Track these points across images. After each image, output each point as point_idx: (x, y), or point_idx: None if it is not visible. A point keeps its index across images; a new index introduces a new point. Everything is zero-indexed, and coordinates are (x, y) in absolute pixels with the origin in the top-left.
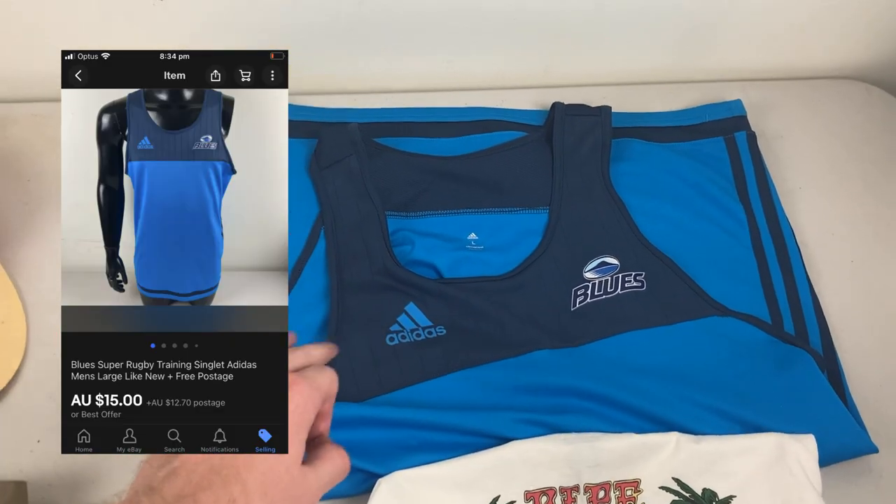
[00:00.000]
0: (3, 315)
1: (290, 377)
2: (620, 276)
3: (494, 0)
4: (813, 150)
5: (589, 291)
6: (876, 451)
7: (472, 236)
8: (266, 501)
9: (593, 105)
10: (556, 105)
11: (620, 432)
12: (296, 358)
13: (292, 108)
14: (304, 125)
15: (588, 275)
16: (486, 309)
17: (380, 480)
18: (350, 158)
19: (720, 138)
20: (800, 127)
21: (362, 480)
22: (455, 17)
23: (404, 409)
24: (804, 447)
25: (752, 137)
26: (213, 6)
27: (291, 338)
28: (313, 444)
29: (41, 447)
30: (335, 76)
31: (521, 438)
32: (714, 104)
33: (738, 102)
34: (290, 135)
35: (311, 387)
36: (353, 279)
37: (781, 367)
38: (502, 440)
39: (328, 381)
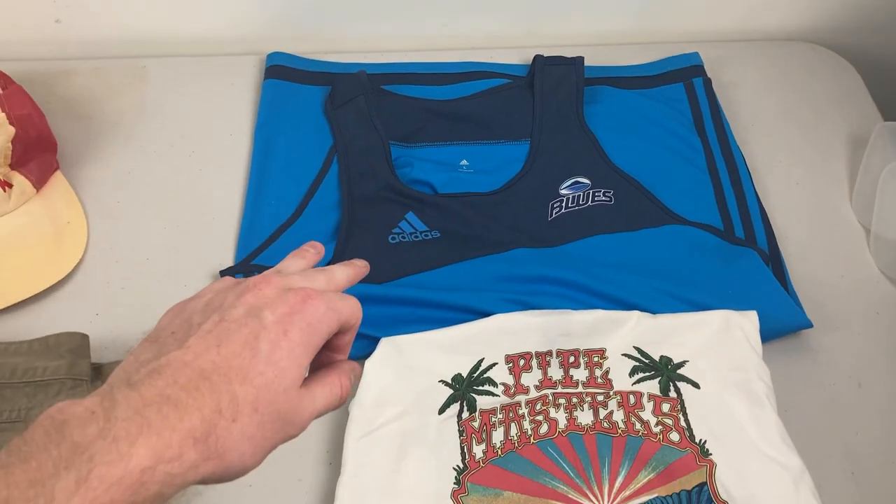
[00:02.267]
0: (69, 217)
1: (306, 291)
2: (591, 191)
3: None
4: (763, 96)
5: (563, 204)
6: (811, 325)
7: (464, 162)
8: (255, 418)
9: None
10: (537, 57)
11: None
12: (317, 279)
13: (311, 62)
14: (320, 76)
15: (563, 191)
16: (474, 218)
17: (382, 340)
18: (359, 98)
19: (680, 84)
20: (752, 79)
21: (367, 345)
22: None
23: (405, 288)
24: (747, 320)
25: (707, 82)
26: None
27: (319, 250)
28: (318, 365)
29: (98, 319)
30: (346, 37)
31: (502, 312)
32: (674, 56)
33: (696, 54)
34: (309, 83)
35: (327, 306)
36: (362, 193)
37: (731, 260)
38: (487, 315)
39: (349, 309)
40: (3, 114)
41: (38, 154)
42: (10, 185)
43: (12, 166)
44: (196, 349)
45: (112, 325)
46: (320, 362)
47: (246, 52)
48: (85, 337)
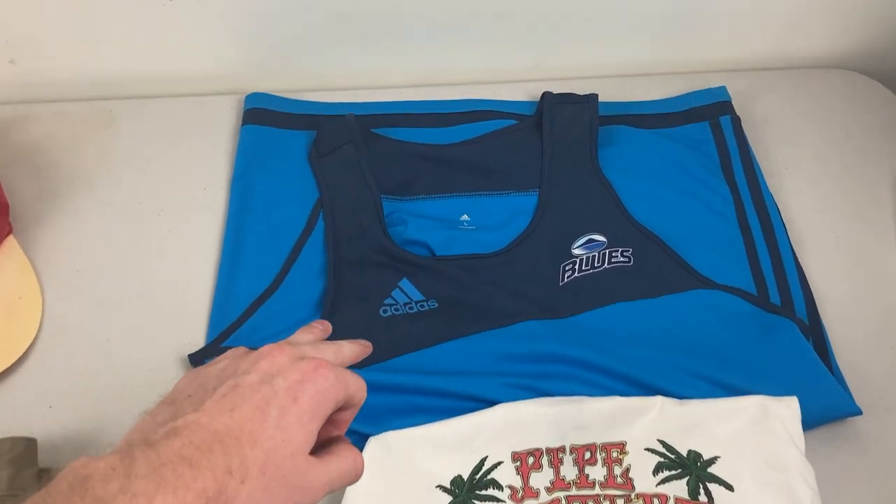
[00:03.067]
0: (22, 291)
1: (318, 361)
2: (608, 251)
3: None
4: (797, 134)
5: (577, 267)
6: (859, 412)
7: (465, 217)
8: (263, 481)
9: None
10: (545, 94)
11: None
12: (326, 350)
13: (294, 103)
14: (304, 118)
15: (576, 251)
16: (476, 284)
17: (370, 439)
18: (347, 146)
19: (705, 123)
20: (784, 113)
21: (355, 442)
22: (446, 15)
23: (396, 374)
24: (787, 408)
25: (736, 121)
26: (212, 8)
27: (326, 327)
28: (327, 441)
29: (51, 413)
30: (333, 74)
31: (508, 402)
32: (698, 91)
33: (723, 88)
34: (292, 126)
35: (336, 377)
36: (350, 256)
37: (766, 334)
38: (490, 403)
39: (356, 384)
40: None
41: None
42: None
43: None
44: (211, 412)
45: (67, 419)
46: (320, 436)
47: (224, 92)
48: (32, 442)
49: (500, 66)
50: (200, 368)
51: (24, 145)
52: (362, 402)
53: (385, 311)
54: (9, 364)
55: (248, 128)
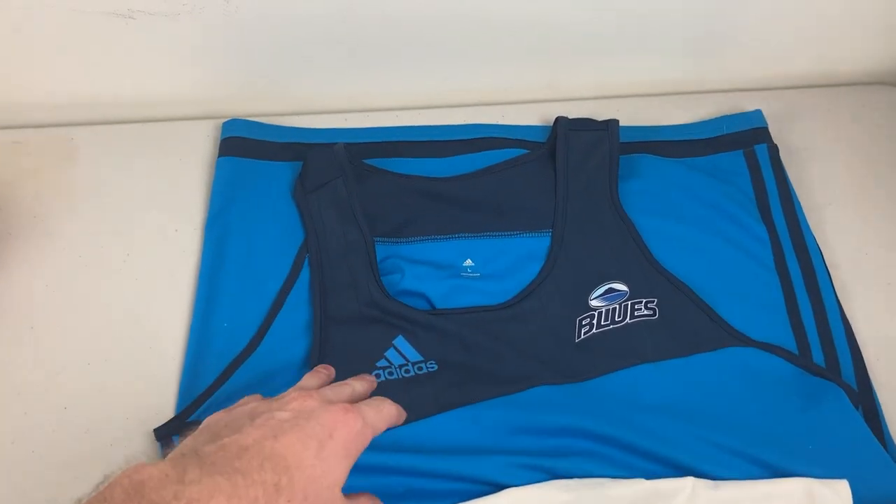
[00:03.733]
0: None
1: (345, 406)
2: (630, 303)
3: (490, 9)
4: (840, 162)
5: (595, 321)
6: None
7: (468, 263)
8: None
9: (601, 119)
10: (559, 119)
11: (628, 478)
12: (342, 392)
13: (277, 129)
14: (290, 147)
15: (594, 303)
16: (481, 342)
17: None
18: (336, 181)
19: (739, 152)
20: (825, 138)
21: None
22: (448, 29)
23: (390, 453)
24: (836, 494)
25: (773, 150)
26: (197, 28)
27: (330, 372)
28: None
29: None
30: (322, 95)
31: (517, 485)
32: (731, 115)
33: (758, 113)
34: (276, 158)
35: (364, 422)
36: (338, 312)
37: (810, 402)
38: (497, 487)
39: (383, 421)
40: None
41: None
42: None
43: None
44: (255, 436)
45: (17, 495)
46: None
47: (199, 116)
48: None
49: (509, 85)
50: (223, 411)
51: None
52: (402, 420)
53: (378, 376)
54: None
55: (224, 160)
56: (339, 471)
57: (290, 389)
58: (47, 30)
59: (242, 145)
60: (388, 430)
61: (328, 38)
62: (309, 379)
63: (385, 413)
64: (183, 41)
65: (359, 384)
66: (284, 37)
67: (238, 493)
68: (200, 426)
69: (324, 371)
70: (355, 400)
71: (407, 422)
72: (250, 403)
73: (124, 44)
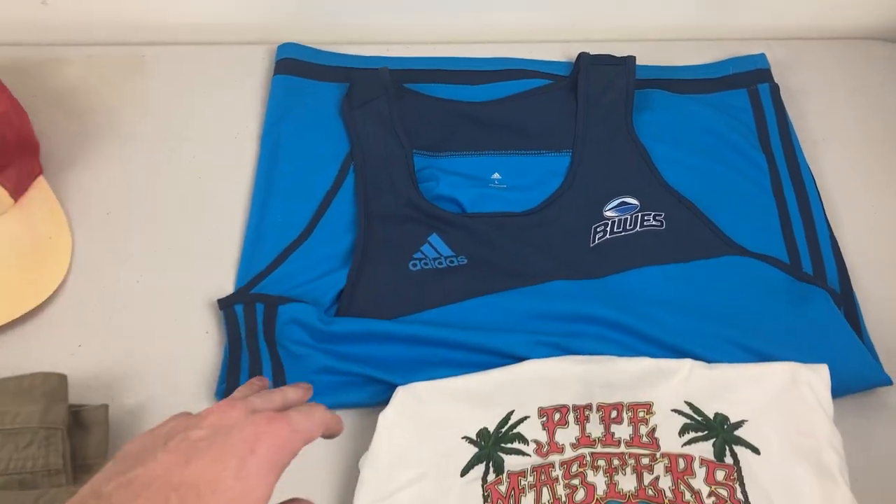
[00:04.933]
0: (51, 231)
1: (271, 414)
2: (640, 214)
3: None
4: (835, 105)
5: (608, 228)
6: (890, 382)
7: (496, 176)
8: None
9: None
10: (581, 55)
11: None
12: (272, 399)
13: (327, 55)
14: (337, 71)
15: (608, 213)
16: (506, 242)
17: (398, 388)
18: (380, 100)
19: (743, 90)
20: (823, 83)
21: (382, 391)
22: None
23: (424, 326)
24: (817, 375)
25: (775, 89)
26: None
27: (265, 383)
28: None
29: (81, 351)
30: (367, 28)
31: (536, 358)
32: (738, 58)
33: (762, 56)
34: (324, 78)
35: (291, 429)
36: (380, 210)
37: (798, 302)
38: (518, 360)
39: (315, 427)
40: None
41: (17, 158)
42: None
43: None
44: (164, 464)
45: (96, 359)
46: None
47: (256, 42)
48: (63, 378)
49: (537, 25)
50: (145, 432)
51: (56, 89)
52: (340, 431)
53: (414, 265)
54: (38, 303)
55: (279, 78)
56: (262, 488)
57: (223, 400)
58: None
59: (295, 66)
60: (421, 312)
61: None
62: (240, 389)
63: (317, 418)
64: None
65: (292, 391)
66: None
67: None
68: (116, 455)
69: (258, 382)
70: (287, 407)
71: (439, 305)
72: (170, 423)
73: None
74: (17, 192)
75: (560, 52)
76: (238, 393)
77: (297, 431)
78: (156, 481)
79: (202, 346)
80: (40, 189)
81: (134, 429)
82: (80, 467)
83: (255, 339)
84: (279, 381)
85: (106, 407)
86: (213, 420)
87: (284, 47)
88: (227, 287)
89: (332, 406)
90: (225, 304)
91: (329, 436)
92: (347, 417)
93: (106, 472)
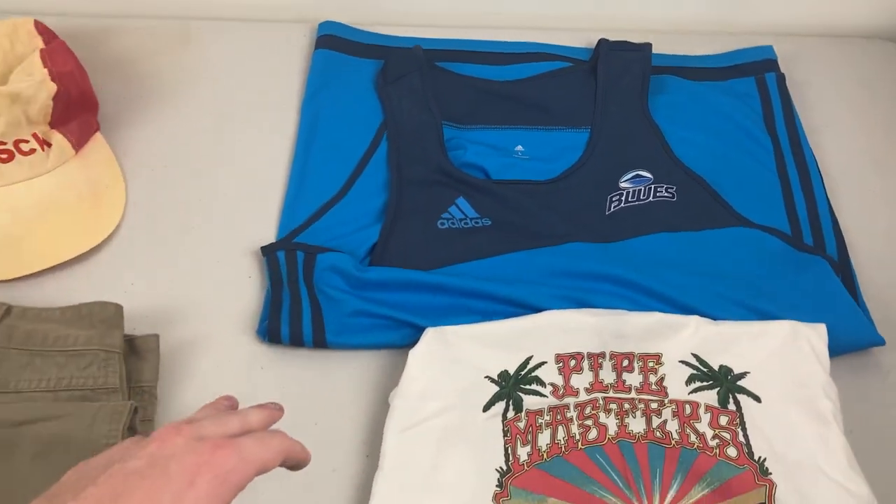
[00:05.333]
0: (108, 181)
1: (216, 441)
2: (653, 186)
3: None
4: (837, 97)
5: (623, 198)
6: (883, 342)
7: (519, 148)
8: None
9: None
10: (602, 41)
11: None
12: (230, 423)
13: (365, 34)
14: (373, 48)
15: (623, 184)
16: (528, 206)
17: (428, 329)
18: (413, 75)
19: (751, 78)
20: (826, 77)
21: (412, 334)
22: None
23: (452, 277)
24: (815, 332)
25: (781, 78)
26: None
27: (233, 402)
28: None
29: (133, 289)
30: (401, 11)
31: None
32: (747, 48)
33: (770, 48)
34: (362, 55)
35: (239, 457)
36: (411, 175)
37: (798, 268)
38: (538, 311)
39: (272, 454)
40: (45, 69)
41: (79, 113)
42: (49, 145)
43: (52, 125)
44: (93, 498)
45: (147, 295)
46: None
47: (296, 20)
48: (118, 307)
49: (560, 14)
50: (90, 459)
51: (115, 55)
52: (306, 460)
53: (442, 224)
54: (96, 243)
55: (320, 52)
56: None
57: (175, 422)
58: None
59: (335, 42)
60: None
61: None
62: (203, 409)
63: (274, 446)
64: None
65: (256, 414)
66: None
67: None
68: (61, 479)
69: (224, 402)
70: (246, 432)
71: (465, 260)
72: (115, 449)
73: None
74: (78, 144)
75: (581, 39)
76: (199, 413)
77: (247, 460)
78: None
79: (245, 289)
80: (98, 143)
81: (182, 361)
82: (133, 389)
83: (295, 283)
84: (317, 321)
85: (157, 336)
86: (152, 449)
87: (325, 25)
88: (269, 237)
89: (366, 346)
90: (268, 251)
91: (292, 466)
92: (380, 357)
93: (40, 501)
